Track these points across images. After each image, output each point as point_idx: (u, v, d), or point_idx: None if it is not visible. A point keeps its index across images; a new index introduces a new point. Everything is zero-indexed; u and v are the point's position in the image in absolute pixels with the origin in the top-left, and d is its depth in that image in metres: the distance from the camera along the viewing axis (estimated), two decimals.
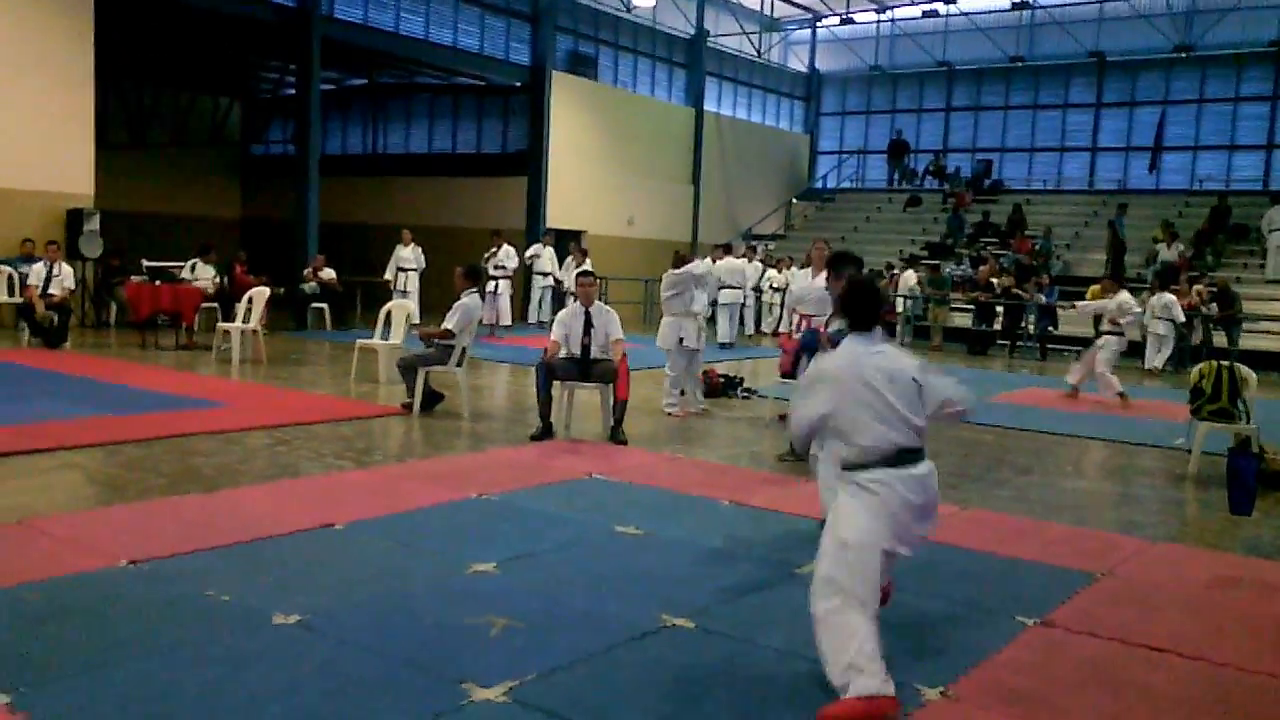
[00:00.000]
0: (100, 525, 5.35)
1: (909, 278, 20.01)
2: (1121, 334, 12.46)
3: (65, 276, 13.17)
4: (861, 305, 3.94)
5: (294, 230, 18.07)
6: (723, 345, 17.05)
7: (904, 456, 3.87)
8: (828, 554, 3.73)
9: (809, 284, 9.42)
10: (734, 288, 17.79)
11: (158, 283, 13.75)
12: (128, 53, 19.61)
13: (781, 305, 16.23)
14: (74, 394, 9.45)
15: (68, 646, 3.73)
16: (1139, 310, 12.64)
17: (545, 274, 19.18)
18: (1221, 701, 3.79)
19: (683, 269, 10.19)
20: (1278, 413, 10.23)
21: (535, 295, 19.37)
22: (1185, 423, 8.80)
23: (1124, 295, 12.65)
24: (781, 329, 10.34)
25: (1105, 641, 4.29)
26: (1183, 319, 16.58)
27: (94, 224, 14.98)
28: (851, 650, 3.48)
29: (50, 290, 12.94)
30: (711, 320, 16.89)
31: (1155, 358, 16.44)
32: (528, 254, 18.70)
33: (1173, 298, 16.50)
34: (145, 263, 15.05)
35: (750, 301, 20.26)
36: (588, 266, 15.74)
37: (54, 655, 3.65)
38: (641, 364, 10.93)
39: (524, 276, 19.42)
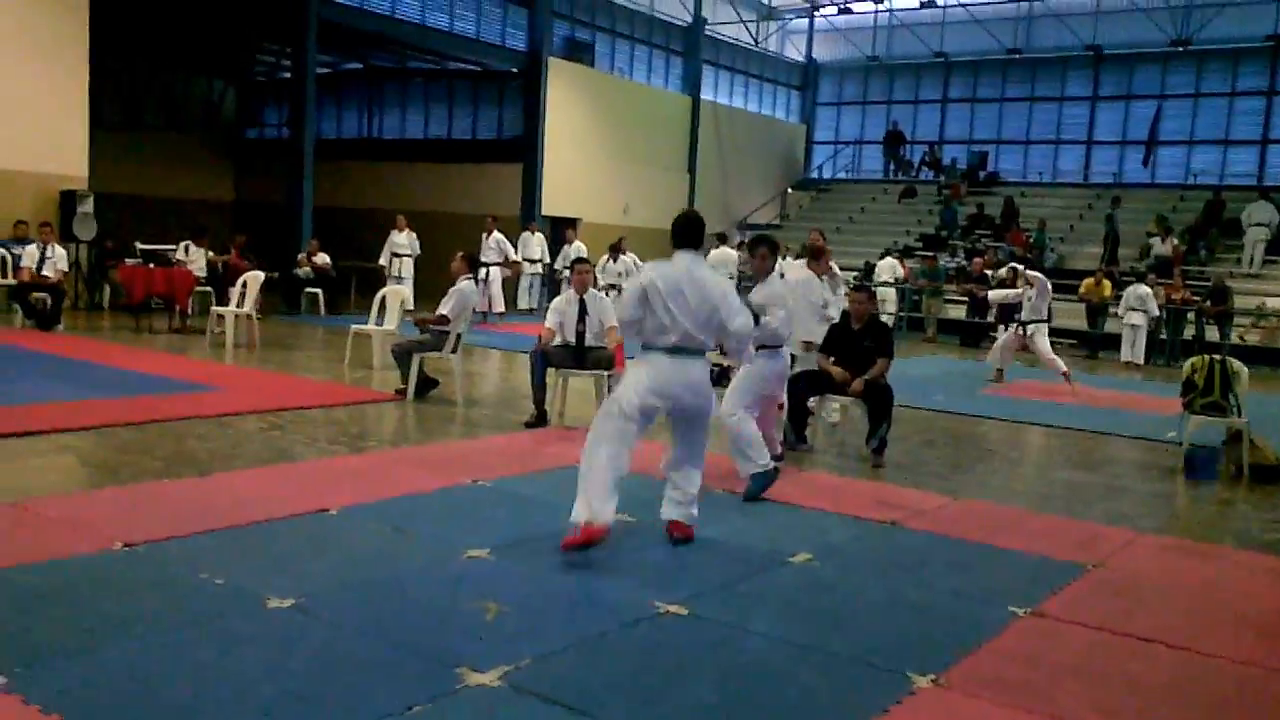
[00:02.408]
0: (94, 508, 5.35)
1: (885, 266, 19.87)
2: (1044, 321, 12.67)
3: (58, 258, 13.13)
4: (686, 231, 5.27)
5: (288, 214, 18.03)
6: None
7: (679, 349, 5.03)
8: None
9: (804, 273, 9.45)
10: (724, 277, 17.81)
11: (151, 266, 13.71)
12: (122, 34, 19.51)
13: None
14: (67, 376, 9.43)
15: (62, 628, 3.74)
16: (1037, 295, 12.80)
17: (534, 260, 19.17)
18: (1209, 692, 3.83)
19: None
20: (1269, 407, 10.28)
21: (524, 282, 19.35)
22: (1176, 416, 8.85)
23: (1038, 277, 12.76)
24: None
25: (1095, 631, 4.33)
26: (1156, 312, 16.66)
27: (88, 206, 14.94)
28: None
29: (44, 272, 12.91)
30: None
31: (1131, 351, 16.54)
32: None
33: (1149, 290, 16.57)
34: (139, 245, 15.02)
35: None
36: (584, 253, 15.77)
37: (48, 637, 3.65)
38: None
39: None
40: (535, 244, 19.15)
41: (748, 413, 6.48)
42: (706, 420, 5.31)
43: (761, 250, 6.97)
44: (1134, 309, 16.50)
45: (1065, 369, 12.40)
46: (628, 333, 5.30)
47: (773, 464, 6.41)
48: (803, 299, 8.40)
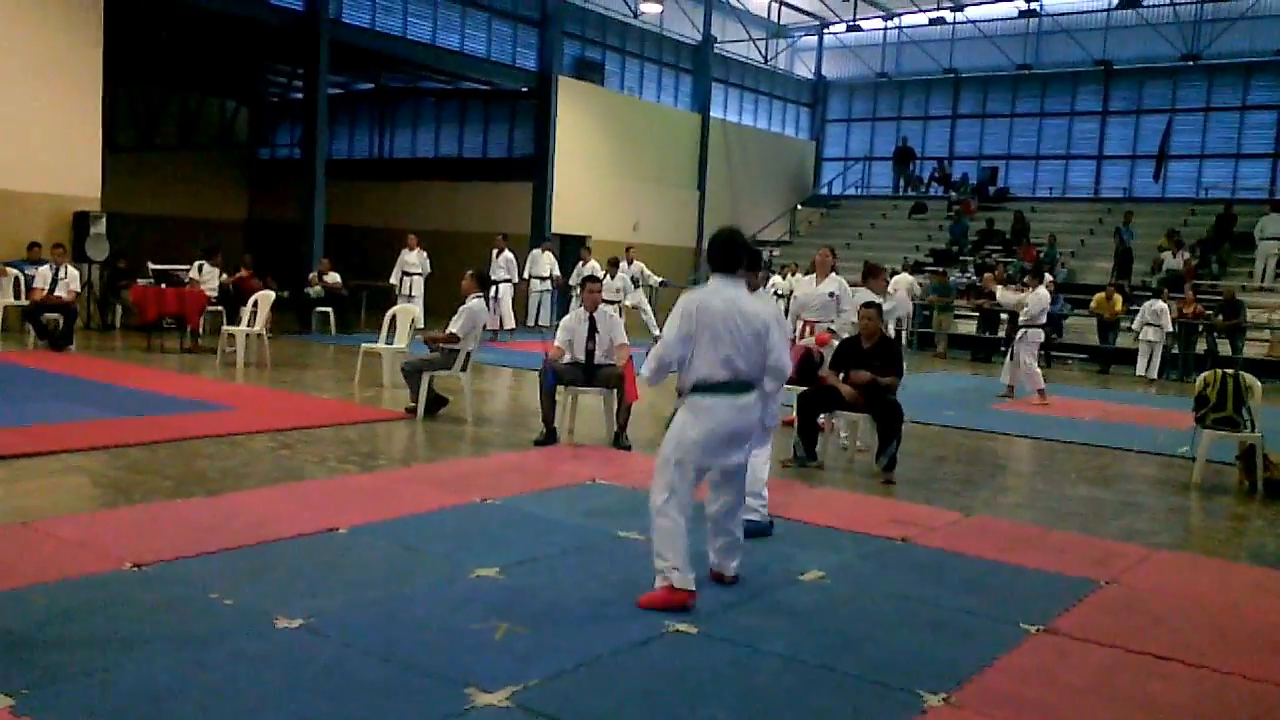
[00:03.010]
0: (105, 528, 5.35)
1: (901, 281, 19.82)
2: (1040, 327, 12.75)
3: (71, 279, 13.20)
4: (726, 251, 4.73)
5: (300, 234, 18.10)
6: None
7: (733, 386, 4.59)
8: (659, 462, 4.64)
9: (813, 290, 9.46)
10: None
11: (163, 286, 13.77)
12: (136, 56, 19.66)
13: (785, 312, 16.30)
14: (79, 396, 9.47)
15: (71, 649, 3.74)
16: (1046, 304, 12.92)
17: (544, 278, 19.22)
18: (1225, 710, 3.79)
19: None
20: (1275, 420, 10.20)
21: (534, 300, 19.39)
22: (1189, 431, 8.79)
23: (1041, 290, 12.86)
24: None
25: (1109, 649, 4.29)
26: (1171, 327, 16.61)
27: (100, 227, 15.02)
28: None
29: (56, 293, 12.98)
30: None
31: (1146, 366, 16.49)
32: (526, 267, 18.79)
33: (1164, 305, 16.53)
34: (151, 265, 15.09)
35: None
36: (597, 272, 15.79)
37: (58, 658, 3.65)
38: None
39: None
40: (545, 262, 19.18)
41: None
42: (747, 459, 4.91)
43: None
44: (1149, 324, 16.45)
45: (1041, 385, 12.46)
46: (663, 375, 4.74)
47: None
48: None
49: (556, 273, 19.30)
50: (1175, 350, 17.13)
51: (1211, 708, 3.80)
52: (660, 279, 19.18)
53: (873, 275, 9.42)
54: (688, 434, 4.57)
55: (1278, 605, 5.13)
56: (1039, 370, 12.74)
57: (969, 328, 19.66)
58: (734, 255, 4.74)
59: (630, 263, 18.02)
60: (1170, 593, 5.20)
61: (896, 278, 16.81)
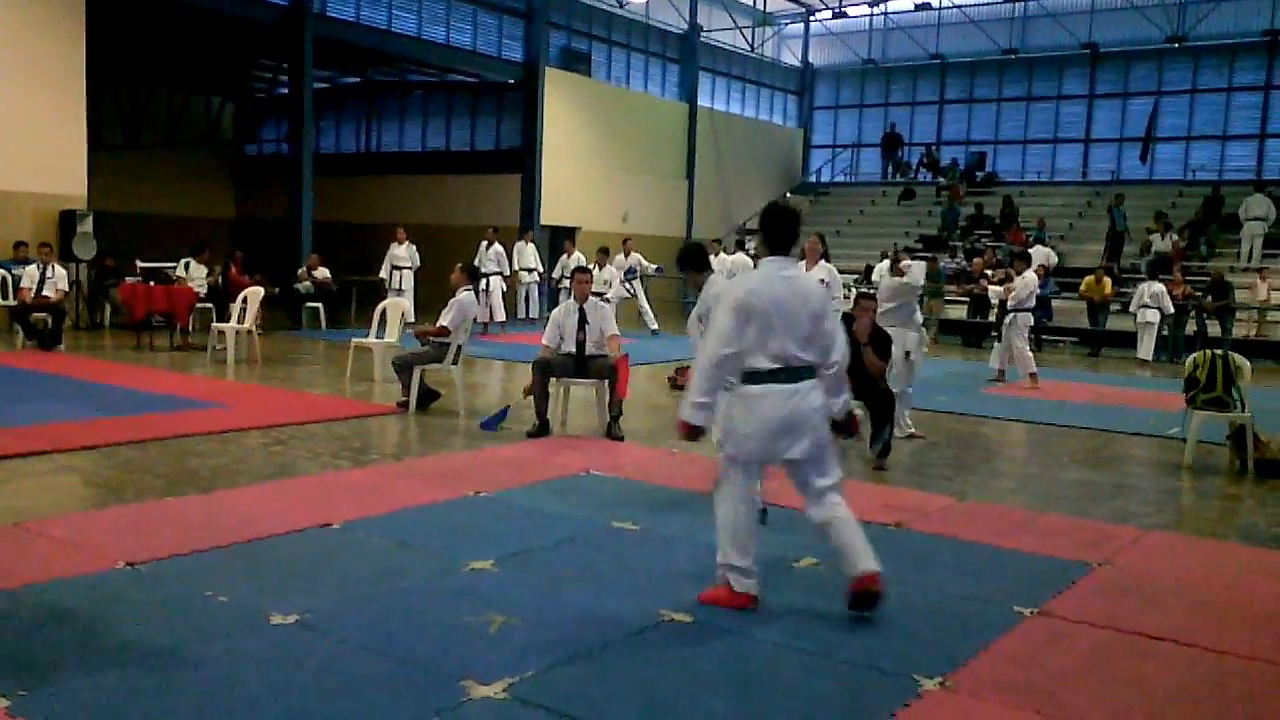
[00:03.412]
0: (97, 527, 5.34)
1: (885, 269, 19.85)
2: (1028, 311, 12.86)
3: (59, 278, 13.14)
4: (782, 228, 4.44)
5: (288, 230, 18.05)
6: None
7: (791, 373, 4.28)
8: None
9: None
10: None
11: (152, 283, 13.72)
12: (120, 53, 19.56)
13: None
14: (69, 396, 9.43)
15: (65, 649, 3.73)
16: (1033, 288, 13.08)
17: (529, 270, 19.24)
18: (1219, 689, 3.81)
19: (903, 278, 8.98)
20: (1272, 401, 10.25)
21: (522, 292, 19.41)
22: (1180, 412, 8.82)
23: (1028, 275, 12.93)
24: None
25: (1103, 631, 4.31)
26: (1172, 309, 16.66)
27: (87, 225, 14.96)
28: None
29: (44, 292, 12.92)
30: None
31: (1144, 347, 16.54)
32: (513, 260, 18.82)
33: (1162, 287, 16.57)
34: (139, 263, 15.04)
35: None
36: (582, 262, 15.79)
37: (52, 658, 3.64)
38: (637, 359, 10.93)
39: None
40: (530, 254, 19.22)
41: None
42: (827, 447, 4.44)
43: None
44: (1147, 305, 16.49)
45: (1033, 369, 12.56)
46: (725, 367, 4.25)
47: None
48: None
49: (540, 266, 19.35)
50: (1163, 332, 17.18)
51: (1204, 687, 3.82)
52: (656, 265, 19.20)
53: (894, 264, 9.41)
54: (739, 428, 4.31)
55: (1269, 584, 5.15)
56: (1030, 354, 12.78)
57: (959, 313, 19.68)
58: (794, 232, 4.47)
59: (628, 254, 18.00)
60: (1162, 574, 5.22)
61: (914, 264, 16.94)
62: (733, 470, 4.37)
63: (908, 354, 8.71)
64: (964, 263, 20.87)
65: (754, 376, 4.25)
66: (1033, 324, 13.06)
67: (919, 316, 9.23)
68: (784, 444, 4.29)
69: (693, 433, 4.34)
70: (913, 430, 8.83)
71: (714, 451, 7.20)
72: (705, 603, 4.37)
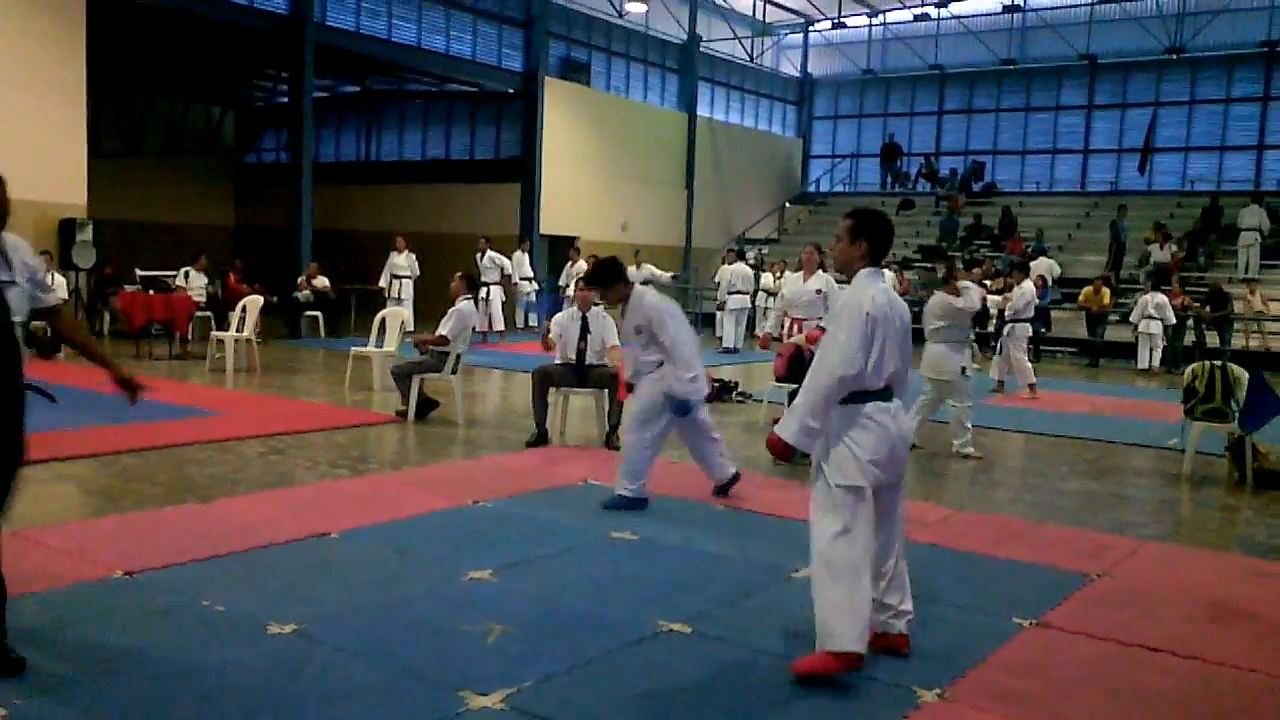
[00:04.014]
0: (95, 536, 5.34)
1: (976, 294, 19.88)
2: (1027, 321, 12.93)
3: (58, 286, 13.15)
4: (882, 235, 4.07)
5: (288, 238, 18.06)
6: (726, 350, 17.14)
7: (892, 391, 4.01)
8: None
9: (800, 287, 9.47)
10: (743, 293, 17.80)
11: (151, 292, 13.73)
12: (120, 61, 19.59)
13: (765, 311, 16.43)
14: (68, 404, 9.32)
15: (63, 658, 3.72)
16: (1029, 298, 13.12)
17: (526, 279, 19.30)
18: (1218, 701, 3.80)
19: (959, 302, 8.66)
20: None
21: (521, 301, 19.47)
22: (1179, 423, 8.82)
23: (1026, 285, 13.04)
24: (770, 331, 10.20)
25: (1101, 642, 4.30)
26: (1174, 320, 16.69)
27: (87, 234, 14.96)
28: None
29: None
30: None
31: (1149, 359, 16.55)
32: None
33: (1165, 298, 16.60)
34: (139, 272, 15.04)
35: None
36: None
37: (49, 668, 3.63)
38: None
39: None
40: (525, 263, 19.33)
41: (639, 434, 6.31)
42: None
43: (618, 285, 6.49)
44: (1151, 317, 16.52)
45: (1032, 379, 12.59)
46: (845, 388, 3.84)
47: (632, 495, 6.26)
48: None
49: (530, 274, 19.49)
50: (1178, 344, 17.18)
51: (1203, 698, 3.81)
52: (671, 274, 19.22)
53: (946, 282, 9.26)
54: (860, 455, 3.84)
55: (1268, 594, 5.15)
56: (1029, 364, 12.80)
57: None
58: (890, 239, 4.15)
59: (639, 267, 17.99)
60: (1161, 584, 5.22)
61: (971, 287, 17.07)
62: (854, 505, 3.84)
63: (964, 369, 8.60)
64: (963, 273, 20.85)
65: (864, 396, 3.89)
66: (1031, 335, 13.07)
67: (970, 335, 9.08)
68: (898, 468, 4.00)
69: (789, 454, 4.04)
70: (969, 451, 8.59)
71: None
72: (809, 671, 3.79)
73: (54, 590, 4.42)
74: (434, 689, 3.59)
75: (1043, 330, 18.52)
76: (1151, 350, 16.66)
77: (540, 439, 8.34)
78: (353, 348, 11.42)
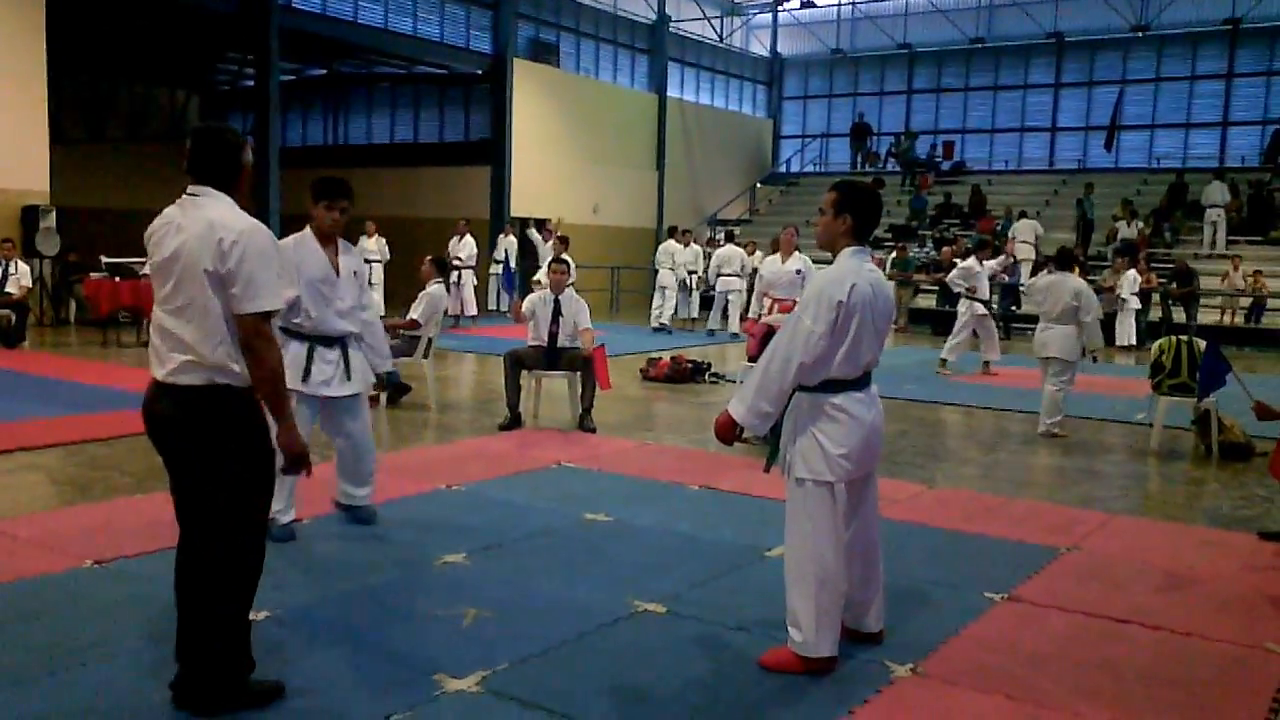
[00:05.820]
0: (64, 526, 5.28)
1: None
2: (980, 301, 13.02)
3: (21, 275, 12.96)
4: (871, 213, 3.78)
5: None
6: (710, 332, 17.18)
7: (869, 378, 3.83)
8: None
9: (779, 269, 9.50)
10: (733, 275, 17.71)
11: (117, 279, 13.57)
12: (82, 45, 19.31)
13: (749, 291, 16.34)
14: (34, 394, 9.31)
15: (33, 649, 3.69)
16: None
17: (499, 261, 19.21)
18: (1186, 671, 3.86)
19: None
20: (1235, 386, 10.36)
21: (493, 285, 19.35)
22: (1146, 398, 8.92)
23: (968, 262, 13.25)
24: (750, 313, 10.24)
25: (1071, 615, 4.35)
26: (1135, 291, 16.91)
27: (50, 221, 14.77)
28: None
29: (7, 289, 12.74)
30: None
31: (1125, 334, 16.74)
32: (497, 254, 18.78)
33: (1136, 274, 16.78)
34: (104, 259, 14.86)
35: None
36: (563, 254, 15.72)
37: (17, 661, 3.60)
38: (612, 351, 10.92)
39: (485, 266, 19.41)
40: (505, 248, 19.16)
41: None
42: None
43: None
44: (1134, 293, 16.75)
45: (959, 354, 12.82)
46: (804, 376, 3.62)
47: None
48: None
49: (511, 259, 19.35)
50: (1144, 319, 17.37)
51: (1171, 668, 3.87)
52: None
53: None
54: (828, 449, 3.64)
55: (1233, 566, 5.23)
56: (965, 341, 12.86)
57: (929, 302, 19.80)
58: (877, 215, 3.84)
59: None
60: (1130, 557, 5.29)
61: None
62: (823, 500, 3.67)
63: (1084, 351, 8.74)
64: (933, 252, 20.98)
65: (835, 385, 3.66)
66: (983, 312, 13.08)
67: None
68: (872, 460, 3.81)
69: (734, 436, 3.81)
70: (1059, 431, 8.71)
71: (680, 442, 7.18)
72: (777, 668, 3.71)
73: (21, 581, 4.37)
74: (409, 672, 3.59)
75: (1012, 308, 18.69)
76: (1128, 326, 16.84)
77: (513, 422, 8.32)
78: None
